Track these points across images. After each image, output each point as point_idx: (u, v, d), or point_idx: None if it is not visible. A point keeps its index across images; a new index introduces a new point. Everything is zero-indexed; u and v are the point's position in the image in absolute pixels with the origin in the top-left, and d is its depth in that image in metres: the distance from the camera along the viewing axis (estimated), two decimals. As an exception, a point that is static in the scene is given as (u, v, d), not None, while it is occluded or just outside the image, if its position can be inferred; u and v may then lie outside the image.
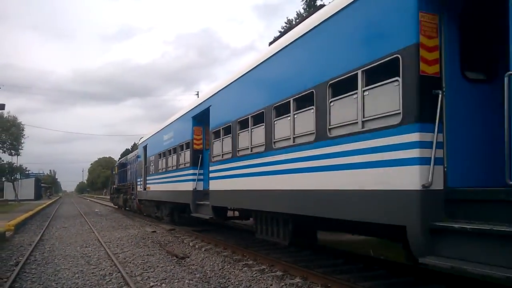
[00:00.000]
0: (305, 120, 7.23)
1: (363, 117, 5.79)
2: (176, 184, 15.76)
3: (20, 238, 15.22)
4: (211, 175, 12.09)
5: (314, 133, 6.91)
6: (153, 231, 16.62)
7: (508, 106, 4.31)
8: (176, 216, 17.83)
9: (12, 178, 55.80)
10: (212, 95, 12.43)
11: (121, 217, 26.00)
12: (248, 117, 9.56)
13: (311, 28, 7.26)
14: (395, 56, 5.26)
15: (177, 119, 16.25)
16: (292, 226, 8.70)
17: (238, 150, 10.19)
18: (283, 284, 7.45)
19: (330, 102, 6.51)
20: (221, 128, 11.25)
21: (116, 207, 36.08)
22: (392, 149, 5.26)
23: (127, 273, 8.69)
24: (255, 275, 8.24)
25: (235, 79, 10.69)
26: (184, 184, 14.57)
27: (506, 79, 4.33)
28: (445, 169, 5.10)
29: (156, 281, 8.02)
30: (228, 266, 9.20)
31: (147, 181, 21.14)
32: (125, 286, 7.70)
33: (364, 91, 5.80)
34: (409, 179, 5.00)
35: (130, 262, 10.09)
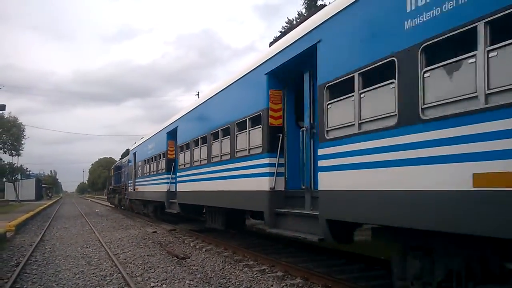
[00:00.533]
0: (224, 144, 10.88)
1: (248, 147, 9.56)
2: (155, 186, 19.31)
3: (21, 239, 15.22)
4: (178, 179, 15.61)
5: (229, 154, 10.49)
6: (153, 232, 16.63)
7: (301, 146, 8.12)
8: (159, 212, 20.95)
9: (13, 178, 55.89)
10: (178, 118, 16.17)
11: (122, 217, 26.01)
12: (198, 138, 12.92)
13: (221, 89, 11.48)
14: (259, 113, 8.99)
15: (157, 133, 20.02)
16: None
17: (194, 161, 13.51)
18: (283, 284, 7.45)
19: (236, 134, 10.16)
20: (183, 144, 14.86)
21: (113, 206, 38.06)
22: (259, 167, 8.92)
23: (127, 273, 8.69)
24: (255, 275, 8.24)
25: (191, 108, 14.58)
26: (161, 186, 18.06)
27: (300, 132, 8.08)
28: (286, 179, 8.66)
29: (157, 282, 8.02)
30: (229, 267, 9.21)
31: (136, 183, 24.82)
32: (126, 287, 7.70)
33: (238, 135, 10.07)
34: (264, 184, 8.60)
35: (131, 263, 10.09)
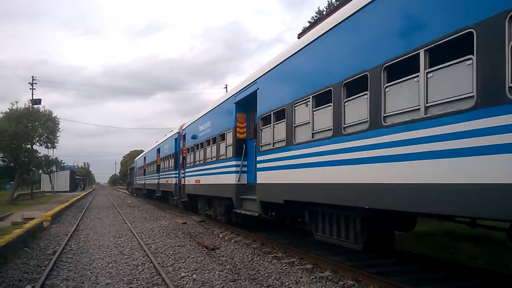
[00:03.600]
0: (210, 150, 15.33)
1: (217, 154, 14.26)
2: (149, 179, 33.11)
3: (56, 228, 15.75)
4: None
5: (215, 156, 14.75)
6: (183, 223, 16.87)
7: (254, 153, 11.72)
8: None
9: (49, 170, 57.75)
10: (188, 125, 20.18)
11: (153, 208, 26.52)
12: (197, 144, 17.38)
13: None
14: (231, 130, 12.73)
15: (151, 149, 30.48)
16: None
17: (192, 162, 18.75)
18: (313, 277, 7.42)
19: (219, 143, 14.32)
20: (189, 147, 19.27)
21: (129, 192, 60.68)
22: (228, 166, 12.93)
23: (159, 263, 8.86)
24: (284, 267, 8.24)
25: (190, 123, 19.56)
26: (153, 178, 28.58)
27: (253, 144, 11.97)
28: (247, 175, 12.29)
29: (187, 272, 8.14)
30: (258, 258, 9.24)
31: (137, 179, 44.79)
32: (157, 276, 7.84)
33: (220, 143, 14.08)
34: (232, 179, 12.42)
35: (162, 253, 10.28)
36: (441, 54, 5.04)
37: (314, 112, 7.79)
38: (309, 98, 7.93)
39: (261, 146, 10.41)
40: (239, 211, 12.01)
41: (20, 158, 35.24)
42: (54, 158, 53.91)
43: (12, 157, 34.87)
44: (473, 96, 4.55)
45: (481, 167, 4.39)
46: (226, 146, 13.18)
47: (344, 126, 6.85)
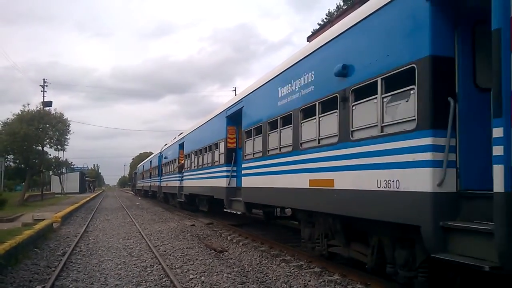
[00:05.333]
0: (206, 156, 16.60)
1: (212, 160, 16.01)
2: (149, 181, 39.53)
3: (66, 230, 15.88)
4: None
5: (210, 162, 15.52)
6: (192, 225, 16.91)
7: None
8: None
9: (59, 172, 58.31)
10: (184, 136, 23.73)
11: (161, 210, 26.62)
12: (194, 151, 18.80)
13: None
14: (223, 140, 14.41)
15: (153, 156, 35.49)
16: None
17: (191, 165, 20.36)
18: (321, 280, 7.39)
19: (214, 151, 15.97)
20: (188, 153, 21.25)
21: (133, 193, 70.42)
22: (220, 172, 14.62)
23: (167, 265, 8.89)
24: (293, 270, 8.22)
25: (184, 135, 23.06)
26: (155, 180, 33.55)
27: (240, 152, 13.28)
28: (236, 179, 13.64)
29: (196, 274, 8.16)
30: (266, 261, 9.23)
31: (138, 182, 56.94)
32: (166, 278, 7.87)
33: (214, 151, 15.84)
34: (223, 183, 14.14)
35: (170, 255, 10.32)
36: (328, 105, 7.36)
37: (281, 130, 9.40)
38: (278, 118, 9.59)
39: (245, 155, 12.22)
40: (228, 210, 14.71)
41: (31, 159, 35.58)
42: (64, 160, 54.47)
43: (23, 158, 35.21)
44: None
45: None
46: (219, 154, 15.08)
47: (301, 142, 8.40)
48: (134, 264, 9.28)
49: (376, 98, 5.96)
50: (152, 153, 47.27)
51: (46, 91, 45.28)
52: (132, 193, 73.65)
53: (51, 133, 37.48)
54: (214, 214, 18.91)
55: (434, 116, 5.02)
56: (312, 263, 8.66)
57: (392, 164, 5.61)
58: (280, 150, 9.45)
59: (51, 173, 59.49)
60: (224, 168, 14.16)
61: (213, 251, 10.65)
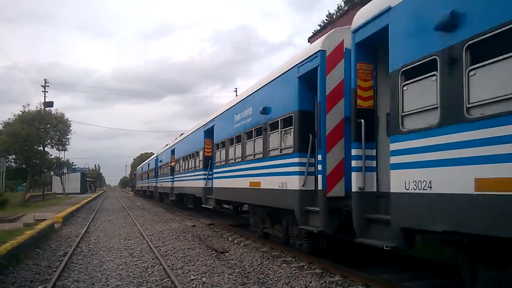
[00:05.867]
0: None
1: (195, 165, 19.63)
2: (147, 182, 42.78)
3: (67, 230, 15.89)
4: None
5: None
6: (193, 225, 16.92)
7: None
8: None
9: (60, 172, 58.32)
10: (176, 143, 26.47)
11: (162, 211, 26.63)
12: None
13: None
14: (202, 149, 17.78)
15: (150, 159, 38.07)
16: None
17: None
18: (322, 281, 7.38)
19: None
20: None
21: (133, 193, 73.98)
22: (198, 175, 18.14)
23: (168, 266, 8.90)
24: (294, 271, 8.21)
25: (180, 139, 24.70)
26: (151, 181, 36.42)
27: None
28: (212, 181, 16.51)
29: (197, 275, 8.16)
30: (267, 262, 9.23)
31: (137, 183, 62.34)
32: (167, 279, 7.87)
33: (195, 158, 19.69)
34: (201, 184, 17.48)
35: (171, 255, 10.32)
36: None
37: (236, 146, 12.85)
38: (233, 137, 13.07)
39: (215, 162, 15.59)
40: (204, 206, 17.47)
41: (32, 160, 35.60)
42: (65, 160, 54.47)
43: (24, 159, 35.25)
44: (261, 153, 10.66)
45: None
46: (199, 161, 18.18)
47: (245, 155, 11.79)
48: (135, 265, 9.29)
49: (277, 131, 9.46)
50: (154, 154, 47.66)
51: (47, 92, 45.33)
52: (132, 193, 76.54)
53: (52, 133, 37.49)
54: (198, 210, 21.75)
55: (299, 145, 8.50)
56: (313, 264, 8.65)
57: (283, 172, 9.09)
58: (235, 160, 12.83)
59: (52, 173, 59.51)
60: (202, 172, 17.29)
61: (214, 252, 10.65)
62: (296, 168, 8.48)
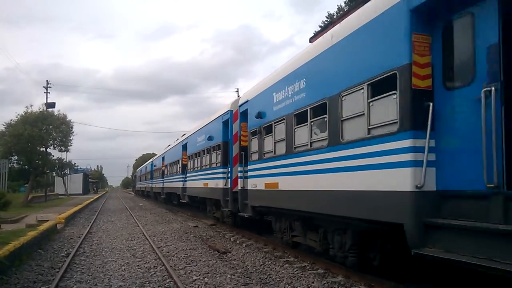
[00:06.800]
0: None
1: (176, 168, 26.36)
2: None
3: (70, 231, 15.93)
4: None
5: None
6: (195, 226, 16.93)
7: None
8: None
9: (62, 173, 58.40)
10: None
11: (164, 211, 26.66)
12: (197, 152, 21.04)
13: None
14: (179, 159, 25.03)
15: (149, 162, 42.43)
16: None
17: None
18: (325, 282, 7.38)
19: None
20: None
21: (134, 193, 77.09)
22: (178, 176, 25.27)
23: (171, 266, 8.91)
24: (296, 272, 8.21)
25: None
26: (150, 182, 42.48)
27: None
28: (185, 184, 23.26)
29: (199, 275, 8.17)
30: (269, 262, 9.23)
31: (137, 184, 66.85)
32: (169, 279, 7.88)
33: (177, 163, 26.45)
34: (180, 184, 24.13)
35: (174, 256, 10.33)
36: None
37: (195, 160, 18.47)
38: (197, 152, 18.54)
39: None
40: (182, 201, 23.04)
41: (34, 161, 35.69)
42: (67, 161, 54.54)
43: (27, 160, 35.33)
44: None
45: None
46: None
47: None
48: (138, 265, 9.30)
49: (215, 151, 14.93)
50: (156, 154, 47.77)
51: (49, 93, 45.45)
52: (133, 193, 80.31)
53: (54, 134, 37.55)
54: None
55: (222, 161, 14.92)
56: (316, 265, 8.65)
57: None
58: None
59: (54, 174, 59.62)
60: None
61: (216, 252, 10.66)
62: (220, 175, 14.66)
